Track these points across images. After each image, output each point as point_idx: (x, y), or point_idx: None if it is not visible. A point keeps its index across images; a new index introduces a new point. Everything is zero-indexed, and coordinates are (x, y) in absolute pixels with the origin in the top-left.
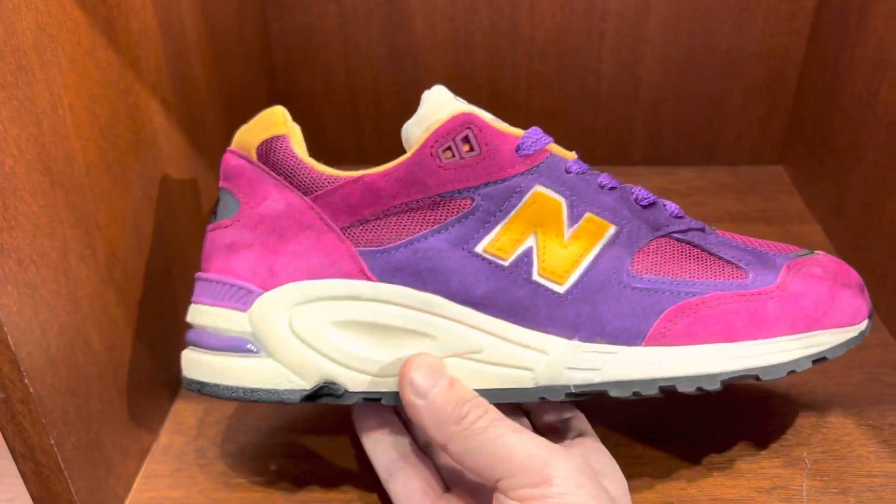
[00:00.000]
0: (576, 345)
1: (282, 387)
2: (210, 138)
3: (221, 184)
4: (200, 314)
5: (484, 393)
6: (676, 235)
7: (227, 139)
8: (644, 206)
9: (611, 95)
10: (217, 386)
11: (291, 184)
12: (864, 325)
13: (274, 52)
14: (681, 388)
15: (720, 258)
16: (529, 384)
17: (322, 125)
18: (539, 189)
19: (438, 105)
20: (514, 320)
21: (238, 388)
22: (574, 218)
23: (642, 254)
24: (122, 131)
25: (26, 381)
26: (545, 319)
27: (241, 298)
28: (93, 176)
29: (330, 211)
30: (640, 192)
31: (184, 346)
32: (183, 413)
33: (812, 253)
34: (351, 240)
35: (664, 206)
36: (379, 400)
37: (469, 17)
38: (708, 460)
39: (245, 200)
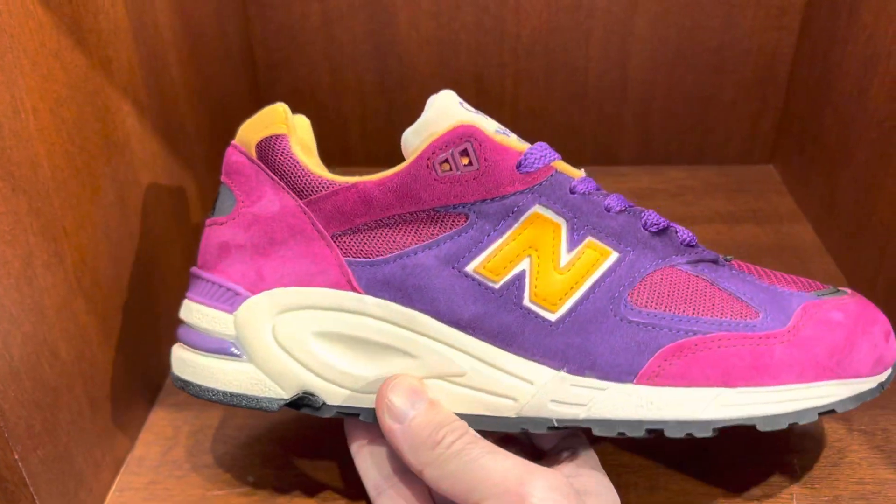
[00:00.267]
0: (563, 377)
1: (261, 394)
2: (188, 140)
3: (223, 178)
4: (190, 311)
5: (463, 418)
6: (685, 266)
7: (207, 141)
8: (653, 233)
9: (598, 93)
10: (200, 387)
11: (287, 185)
12: (884, 375)
13: (256, 52)
14: (669, 434)
15: (730, 294)
16: (511, 414)
17: None
18: (538, 210)
19: (441, 113)
20: (501, 346)
21: (219, 392)
22: (573, 242)
23: (644, 284)
24: (92, 134)
25: None
26: (533, 347)
27: (229, 300)
28: (59, 181)
29: (322, 217)
30: (650, 216)
31: (164, 351)
32: (160, 422)
33: (837, 291)
34: (341, 248)
35: (676, 232)
36: (357, 415)
37: (454, 15)
38: (696, 468)
39: (242, 198)
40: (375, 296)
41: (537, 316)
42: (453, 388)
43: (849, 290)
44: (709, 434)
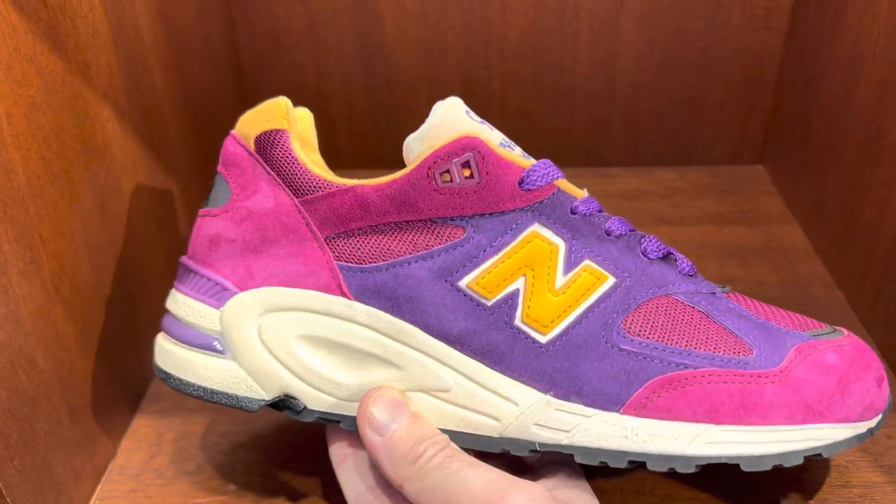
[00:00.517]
0: (549, 400)
1: (242, 393)
2: (170, 144)
3: (219, 168)
4: (176, 302)
5: (444, 433)
6: (681, 296)
7: (191, 145)
8: (652, 259)
9: (586, 95)
10: (181, 380)
11: (284, 182)
12: (874, 421)
13: (241, 55)
14: (651, 467)
15: (725, 328)
16: (493, 434)
17: None
18: (536, 228)
19: (445, 121)
20: (489, 364)
21: (200, 387)
22: (571, 264)
23: (639, 312)
24: (69, 140)
25: None
26: (521, 368)
27: (216, 294)
28: (35, 187)
29: (317, 217)
30: (651, 242)
31: (147, 357)
32: (142, 429)
33: (834, 332)
34: (333, 252)
35: (676, 261)
36: (338, 422)
37: (440, 17)
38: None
39: (237, 191)
40: (365, 303)
41: (528, 336)
42: (437, 402)
43: (845, 331)
44: (691, 470)
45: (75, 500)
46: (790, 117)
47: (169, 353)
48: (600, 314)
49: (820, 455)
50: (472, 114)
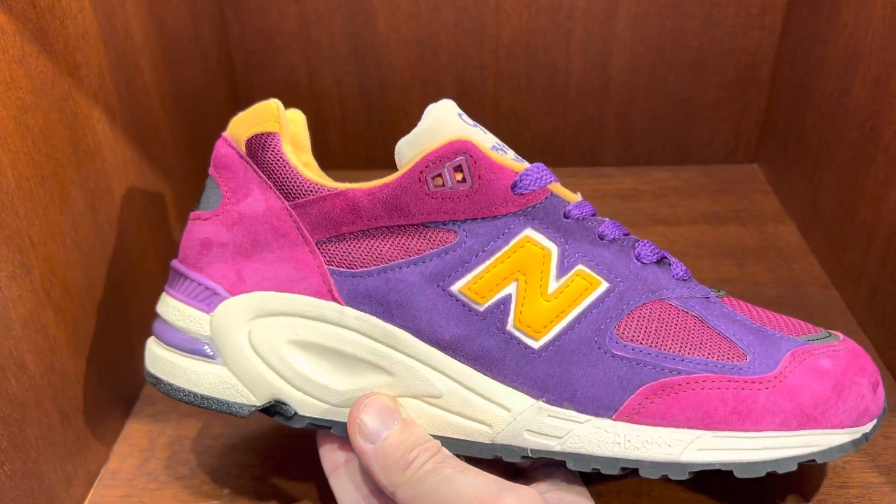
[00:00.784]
0: (541, 406)
1: (232, 399)
2: (162, 145)
3: (210, 171)
4: (167, 307)
5: (436, 439)
6: (675, 301)
7: (183, 146)
8: (645, 264)
9: (580, 95)
10: (171, 385)
11: (275, 186)
12: (868, 426)
13: (234, 55)
14: (644, 474)
15: (719, 333)
16: (485, 440)
17: None
18: (529, 233)
19: (438, 124)
20: (481, 369)
21: (190, 392)
22: (563, 269)
23: (632, 317)
24: (60, 142)
25: None
26: (513, 374)
27: (207, 299)
28: (25, 190)
29: (308, 221)
30: (644, 247)
31: (139, 361)
32: (135, 434)
33: (829, 336)
34: (324, 256)
35: (670, 265)
36: (329, 428)
37: (433, 17)
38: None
39: (228, 195)
40: (356, 308)
41: (520, 342)
42: (428, 409)
43: (841, 336)
44: (685, 477)
45: None
46: (785, 116)
47: (159, 358)
48: (593, 319)
49: (814, 461)
50: (465, 117)
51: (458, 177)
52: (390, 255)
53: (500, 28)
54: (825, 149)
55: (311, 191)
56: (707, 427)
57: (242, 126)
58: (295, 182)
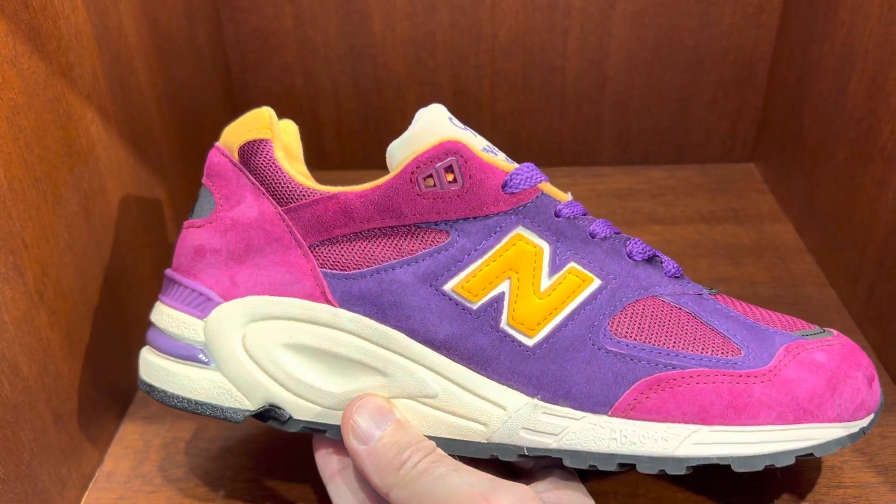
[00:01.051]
0: (536, 404)
1: (226, 404)
2: (156, 146)
3: (203, 180)
4: (161, 314)
5: (431, 440)
6: (668, 298)
7: (178, 147)
8: (637, 262)
9: (577, 94)
10: (165, 392)
11: (267, 191)
12: (866, 421)
13: (228, 55)
14: (641, 469)
15: (712, 329)
16: (481, 439)
17: None
18: (521, 231)
19: (428, 127)
20: (475, 368)
21: (185, 399)
22: (555, 267)
23: (625, 314)
24: (53, 143)
25: None
26: (508, 372)
27: (200, 305)
28: (17, 192)
29: (301, 225)
30: (635, 244)
31: (134, 363)
32: (130, 436)
33: (823, 332)
34: (318, 259)
35: (661, 262)
36: (324, 432)
37: (429, 16)
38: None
39: (221, 202)
40: (350, 310)
41: (514, 340)
42: (423, 409)
43: (835, 332)
44: (682, 472)
45: None
46: (782, 115)
47: (153, 366)
48: (586, 316)
49: (812, 455)
50: (455, 120)
51: (449, 177)
52: (383, 256)
53: (496, 27)
54: (822, 148)
55: (304, 195)
56: (703, 421)
57: (235, 134)
58: (287, 187)
